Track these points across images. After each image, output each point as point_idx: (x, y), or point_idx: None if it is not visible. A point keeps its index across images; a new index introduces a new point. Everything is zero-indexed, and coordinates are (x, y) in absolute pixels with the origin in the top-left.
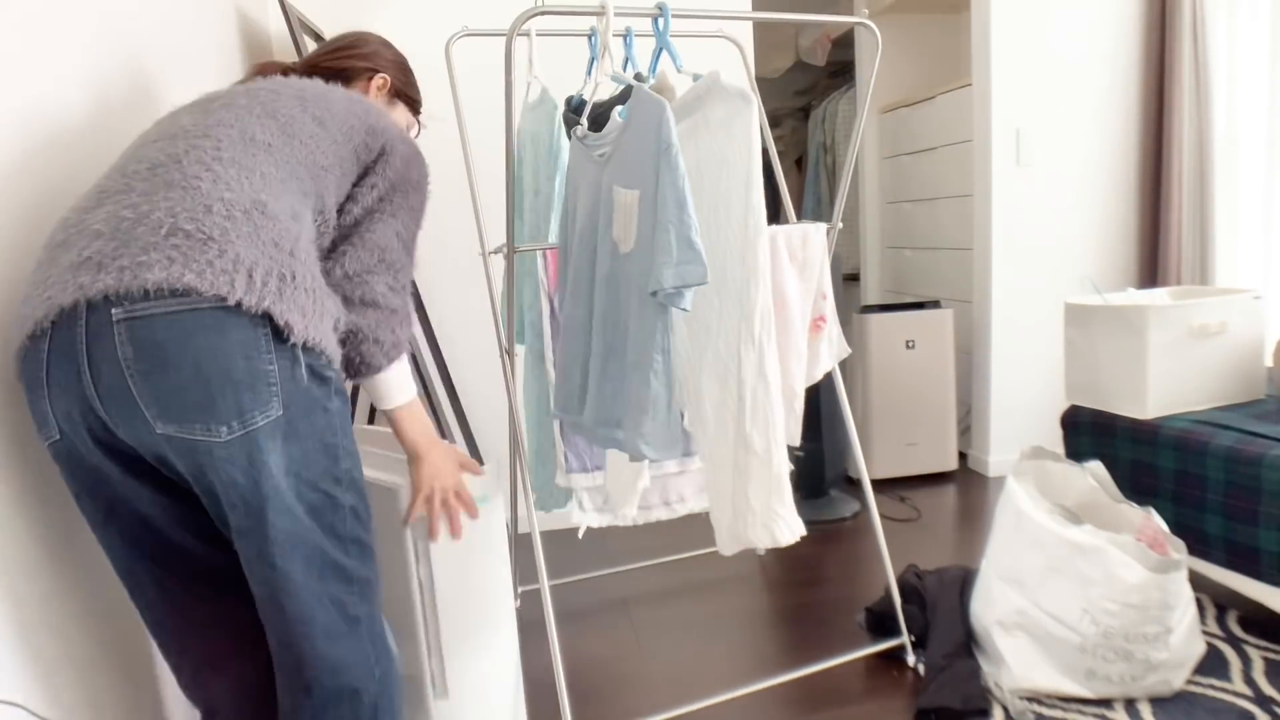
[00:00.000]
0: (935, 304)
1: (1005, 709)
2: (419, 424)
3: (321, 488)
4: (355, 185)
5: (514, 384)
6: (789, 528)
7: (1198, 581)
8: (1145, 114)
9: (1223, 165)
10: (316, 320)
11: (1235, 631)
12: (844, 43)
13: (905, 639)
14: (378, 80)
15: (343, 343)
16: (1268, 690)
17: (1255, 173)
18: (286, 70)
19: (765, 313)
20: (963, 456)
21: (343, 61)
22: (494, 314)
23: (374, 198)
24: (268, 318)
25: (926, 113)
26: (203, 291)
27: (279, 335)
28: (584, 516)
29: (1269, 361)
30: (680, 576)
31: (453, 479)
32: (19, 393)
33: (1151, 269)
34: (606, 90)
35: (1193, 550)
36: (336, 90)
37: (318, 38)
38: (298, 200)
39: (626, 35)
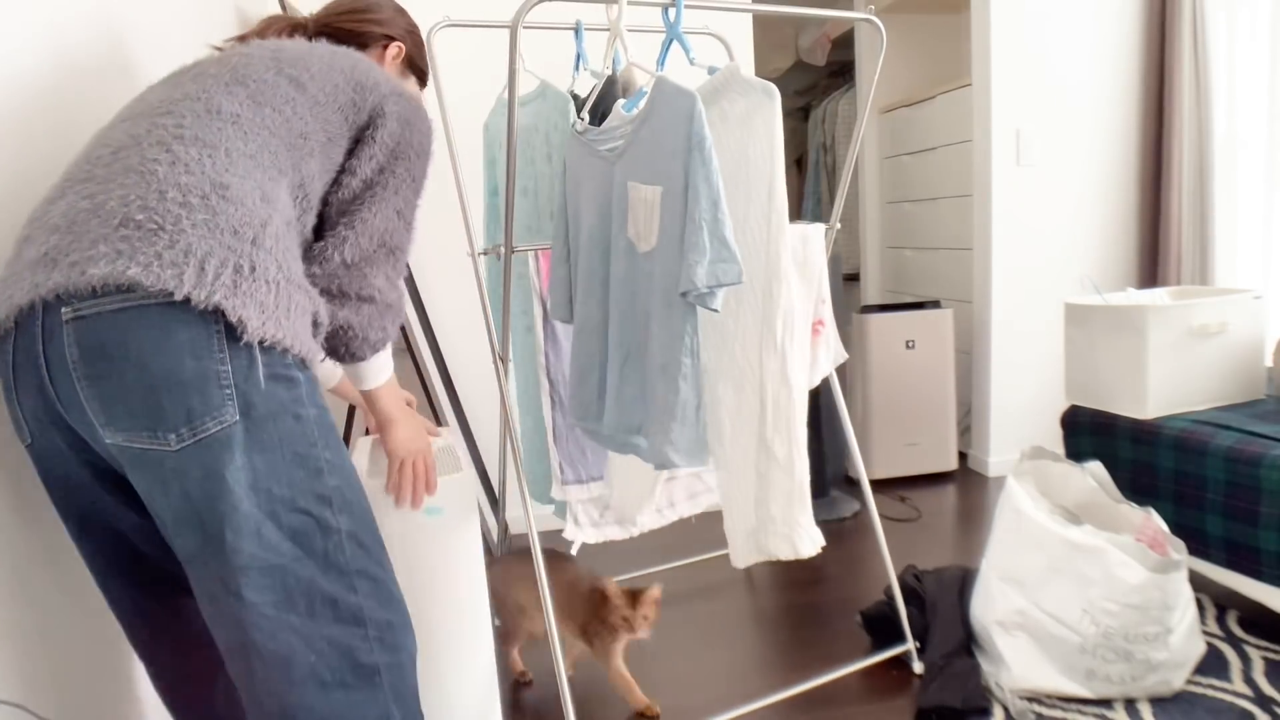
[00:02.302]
0: (935, 304)
1: (1005, 709)
2: (395, 395)
3: (302, 507)
4: (350, 155)
5: (508, 390)
6: (810, 538)
7: (1198, 581)
8: (1145, 114)
9: (1223, 165)
10: (280, 316)
11: (1235, 631)
12: (844, 43)
13: (910, 645)
14: (393, 49)
15: (329, 336)
16: (1268, 690)
17: (1255, 173)
18: (295, 28)
19: (788, 315)
20: (963, 456)
21: (358, 25)
22: (485, 317)
23: (372, 169)
24: (219, 314)
25: (926, 113)
26: (147, 286)
27: (232, 333)
28: (579, 532)
29: (1269, 361)
30: (680, 579)
31: (424, 443)
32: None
33: (1151, 269)
34: (583, 85)
35: (1193, 550)
36: (320, 47)
37: None
38: (270, 178)
39: (577, 28)
